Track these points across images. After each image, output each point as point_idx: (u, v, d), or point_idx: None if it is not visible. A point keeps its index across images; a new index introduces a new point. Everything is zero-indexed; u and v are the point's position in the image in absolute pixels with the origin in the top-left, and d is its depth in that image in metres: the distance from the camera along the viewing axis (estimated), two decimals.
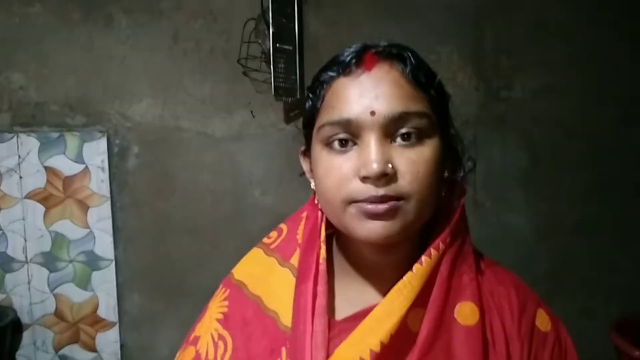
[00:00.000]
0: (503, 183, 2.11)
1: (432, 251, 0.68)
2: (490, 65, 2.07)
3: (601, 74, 2.09)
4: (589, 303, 2.16)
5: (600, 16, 2.08)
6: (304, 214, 0.81)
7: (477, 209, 2.08)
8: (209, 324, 0.79)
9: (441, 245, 0.68)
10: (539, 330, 0.71)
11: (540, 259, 2.13)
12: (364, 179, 0.63)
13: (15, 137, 1.89)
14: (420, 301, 0.66)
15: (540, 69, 2.08)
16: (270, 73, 1.84)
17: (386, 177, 0.62)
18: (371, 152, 0.62)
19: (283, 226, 0.84)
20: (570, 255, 2.16)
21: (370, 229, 0.64)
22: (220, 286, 0.84)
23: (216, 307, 0.80)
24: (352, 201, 0.64)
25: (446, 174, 0.70)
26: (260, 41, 1.88)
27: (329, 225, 0.75)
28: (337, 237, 0.78)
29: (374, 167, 0.61)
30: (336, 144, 0.66)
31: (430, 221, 0.70)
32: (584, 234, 2.15)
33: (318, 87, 0.69)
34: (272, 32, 1.81)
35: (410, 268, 0.67)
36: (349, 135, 0.65)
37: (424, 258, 0.67)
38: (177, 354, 0.82)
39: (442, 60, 2.01)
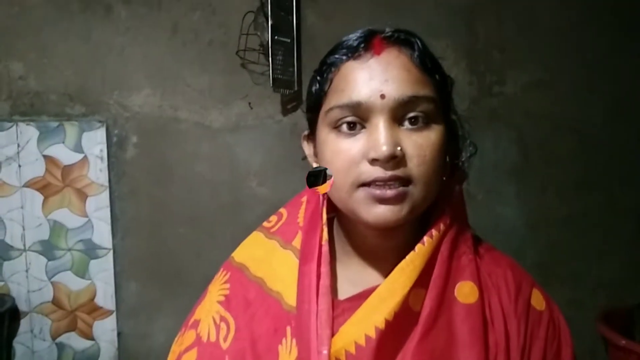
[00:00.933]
0: (495, 176, 2.14)
1: (433, 232, 0.69)
2: (483, 60, 2.11)
3: (591, 69, 2.13)
4: (577, 294, 2.19)
5: (590, 12, 2.12)
6: (304, 199, 0.82)
7: (469, 201, 2.09)
8: (210, 307, 0.79)
9: (442, 227, 0.70)
10: (535, 309, 0.73)
11: (529, 250, 2.17)
12: (373, 162, 0.63)
13: (14, 126, 1.88)
14: (421, 281, 0.67)
15: (532, 64, 2.12)
16: (269, 65, 1.85)
17: (395, 159, 0.63)
18: (380, 134, 0.63)
19: (283, 211, 0.85)
20: (559, 247, 2.19)
21: (378, 214, 0.65)
22: (221, 269, 0.84)
23: (217, 290, 0.80)
24: (360, 184, 0.65)
25: (447, 159, 0.71)
26: (258, 33, 1.89)
27: (330, 208, 0.75)
28: (338, 220, 0.79)
29: (384, 149, 0.62)
30: (344, 127, 0.66)
31: (428, 206, 0.71)
32: (572, 226, 2.19)
33: (326, 71, 0.70)
34: (271, 25, 1.82)
35: (408, 251, 0.68)
36: (358, 118, 0.66)
37: (425, 238, 0.69)
38: (176, 339, 0.82)
39: (436, 55, 2.02)
